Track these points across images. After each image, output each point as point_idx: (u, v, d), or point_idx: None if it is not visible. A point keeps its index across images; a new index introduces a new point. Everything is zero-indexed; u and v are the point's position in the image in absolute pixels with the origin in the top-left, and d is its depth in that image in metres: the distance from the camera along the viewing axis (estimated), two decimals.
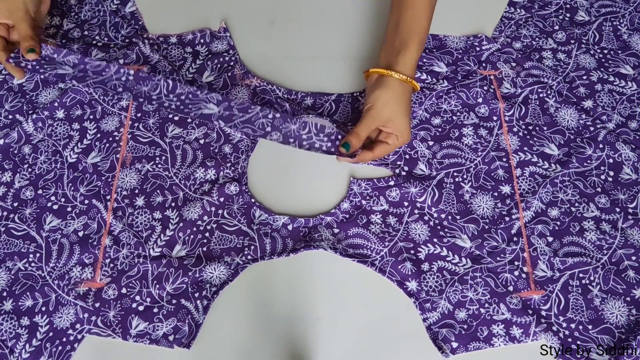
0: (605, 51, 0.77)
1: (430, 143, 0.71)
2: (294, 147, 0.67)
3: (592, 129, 0.71)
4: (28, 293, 0.63)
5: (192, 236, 0.65)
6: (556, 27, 0.79)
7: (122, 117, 0.73)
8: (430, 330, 0.61)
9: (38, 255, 0.65)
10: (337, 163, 0.69)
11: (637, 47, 0.77)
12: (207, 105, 0.68)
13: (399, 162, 0.70)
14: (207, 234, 0.66)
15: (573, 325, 0.60)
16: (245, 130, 0.67)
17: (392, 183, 0.68)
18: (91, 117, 0.73)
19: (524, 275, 0.63)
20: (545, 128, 0.72)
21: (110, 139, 0.72)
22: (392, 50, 0.66)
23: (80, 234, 0.66)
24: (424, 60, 0.76)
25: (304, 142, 0.67)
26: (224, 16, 0.82)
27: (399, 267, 0.63)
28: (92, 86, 0.69)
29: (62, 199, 0.68)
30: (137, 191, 0.68)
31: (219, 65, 0.77)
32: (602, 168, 0.69)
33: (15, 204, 0.68)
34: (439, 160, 0.70)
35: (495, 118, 0.72)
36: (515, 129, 0.71)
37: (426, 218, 0.66)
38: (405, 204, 0.67)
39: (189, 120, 0.72)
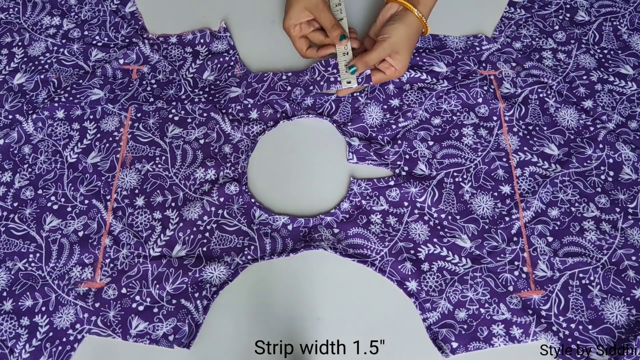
0: (605, 51, 0.77)
1: (430, 143, 0.71)
2: (318, 91, 0.72)
3: (592, 129, 0.71)
4: (28, 293, 0.63)
5: (192, 236, 0.65)
6: (556, 27, 0.79)
7: (122, 117, 0.73)
8: (430, 330, 0.61)
9: (38, 255, 0.65)
10: (336, 163, 0.69)
11: (637, 47, 0.77)
12: (231, 89, 0.73)
13: (398, 162, 0.70)
14: (207, 234, 0.66)
15: (573, 325, 0.60)
16: (272, 97, 0.72)
17: (392, 183, 0.68)
18: (91, 117, 0.73)
19: (524, 275, 0.63)
20: (545, 128, 0.72)
21: (110, 139, 0.72)
22: None
23: (80, 234, 0.66)
24: (424, 60, 0.76)
25: (323, 83, 0.72)
26: (224, 16, 0.82)
27: (399, 267, 0.63)
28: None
29: (62, 199, 0.68)
30: (137, 191, 0.68)
31: (219, 65, 0.77)
32: (602, 168, 0.69)
33: (15, 204, 0.68)
34: (439, 160, 0.70)
35: (495, 118, 0.72)
36: (515, 129, 0.71)
37: (426, 218, 0.66)
38: (405, 204, 0.67)
39: (189, 120, 0.72)
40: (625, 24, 0.79)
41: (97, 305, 0.62)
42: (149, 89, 0.75)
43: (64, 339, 0.61)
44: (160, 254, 0.65)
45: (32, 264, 0.64)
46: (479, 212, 0.67)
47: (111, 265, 0.64)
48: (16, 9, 0.82)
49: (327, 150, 0.72)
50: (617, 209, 0.66)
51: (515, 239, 0.65)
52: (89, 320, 0.61)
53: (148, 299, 0.62)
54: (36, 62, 0.78)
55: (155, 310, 0.62)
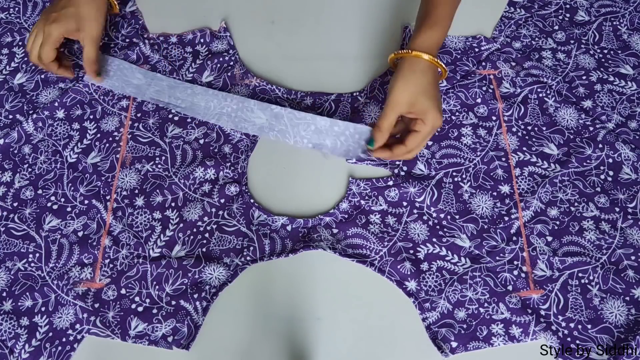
0: (605, 51, 0.77)
1: (429, 143, 0.71)
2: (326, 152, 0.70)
3: (591, 128, 0.71)
4: (27, 293, 0.63)
5: (191, 237, 0.66)
6: (556, 27, 0.79)
7: (122, 117, 0.73)
8: (429, 330, 0.61)
9: (38, 255, 0.65)
10: (336, 163, 0.69)
11: (637, 47, 0.77)
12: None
13: (397, 162, 0.70)
14: (206, 235, 0.66)
15: (572, 325, 0.60)
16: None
17: (390, 183, 0.68)
18: (91, 117, 0.73)
19: (523, 275, 0.63)
20: (544, 128, 0.72)
21: (110, 139, 0.72)
22: (414, 36, 0.64)
23: (80, 234, 0.66)
24: None
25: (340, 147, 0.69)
26: (224, 16, 0.82)
27: (398, 267, 0.63)
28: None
29: (62, 199, 0.68)
30: (137, 191, 0.68)
31: (218, 65, 0.77)
32: (602, 168, 0.69)
33: (15, 204, 0.68)
34: (438, 160, 0.70)
35: (494, 118, 0.72)
36: (514, 129, 0.71)
37: (425, 218, 0.66)
38: (404, 203, 0.67)
39: (189, 120, 0.73)
40: (625, 24, 0.79)
41: (96, 305, 0.62)
42: None
43: (64, 339, 0.61)
44: (160, 254, 0.65)
45: (32, 264, 0.64)
46: (478, 212, 0.67)
47: (110, 265, 0.64)
48: (16, 8, 0.82)
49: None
50: (617, 209, 0.66)
51: (514, 238, 0.65)
52: (88, 320, 0.61)
53: (147, 300, 0.62)
54: None
55: (155, 311, 0.62)
